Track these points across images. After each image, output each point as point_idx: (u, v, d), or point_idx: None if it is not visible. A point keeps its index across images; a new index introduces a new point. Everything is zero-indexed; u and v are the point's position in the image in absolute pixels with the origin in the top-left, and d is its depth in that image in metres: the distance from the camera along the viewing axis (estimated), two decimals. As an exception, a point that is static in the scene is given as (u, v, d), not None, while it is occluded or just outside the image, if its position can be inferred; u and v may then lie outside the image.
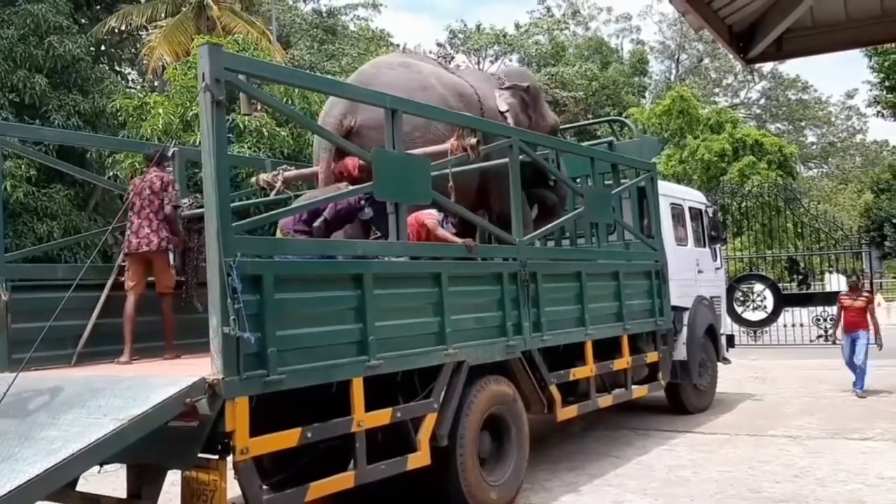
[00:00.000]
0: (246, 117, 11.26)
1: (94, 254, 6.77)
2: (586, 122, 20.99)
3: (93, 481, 4.27)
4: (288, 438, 4.08)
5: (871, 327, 9.83)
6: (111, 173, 13.50)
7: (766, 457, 6.80)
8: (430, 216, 5.73)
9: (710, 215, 10.02)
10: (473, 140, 5.55)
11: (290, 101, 11.51)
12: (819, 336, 15.03)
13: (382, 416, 4.59)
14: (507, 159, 6.04)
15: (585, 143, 9.48)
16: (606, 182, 7.93)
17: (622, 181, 7.99)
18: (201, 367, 3.88)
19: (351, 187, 5.33)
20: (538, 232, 6.55)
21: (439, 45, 36.12)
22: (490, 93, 7.34)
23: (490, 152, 6.10)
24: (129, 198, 5.71)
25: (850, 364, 9.94)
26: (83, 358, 5.27)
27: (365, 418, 4.42)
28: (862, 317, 9.88)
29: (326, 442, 4.40)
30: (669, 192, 9.22)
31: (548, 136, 7.22)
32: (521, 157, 6.12)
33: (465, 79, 7.31)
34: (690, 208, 9.54)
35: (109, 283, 5.61)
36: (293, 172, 6.71)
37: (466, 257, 5.53)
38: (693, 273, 9.25)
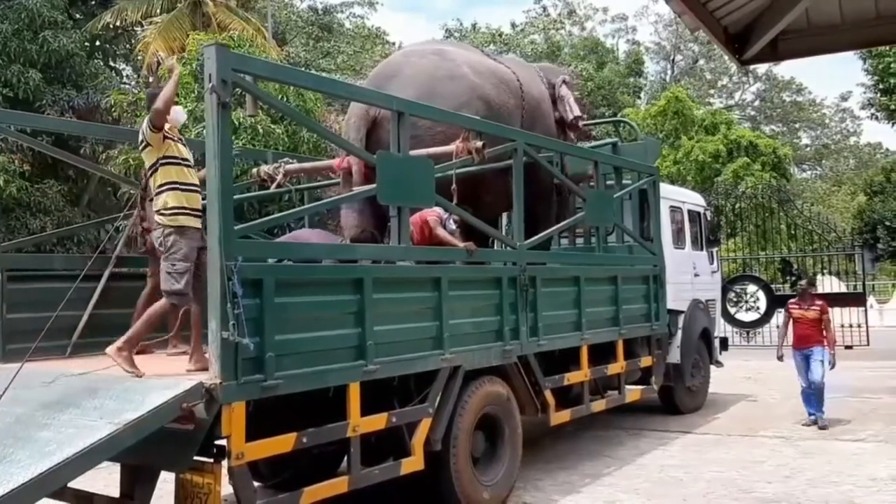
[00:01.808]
0: (241, 114, 11.17)
1: (98, 249, 6.72)
2: (591, 122, 20.87)
3: (86, 476, 4.24)
4: (283, 443, 4.07)
5: (827, 342, 8.23)
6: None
7: (759, 457, 6.85)
8: (433, 214, 5.69)
9: (709, 218, 9.99)
10: (479, 143, 5.47)
11: (284, 98, 11.45)
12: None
13: (378, 421, 4.58)
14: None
15: (588, 145, 9.35)
16: (609, 182, 7.88)
17: (624, 182, 7.96)
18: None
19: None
20: (539, 237, 6.46)
21: (435, 44, 35.94)
22: (531, 81, 7.29)
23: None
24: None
25: (807, 394, 8.32)
26: (78, 349, 5.22)
27: (361, 423, 4.41)
28: (815, 329, 8.29)
29: (324, 446, 4.39)
30: (669, 195, 9.14)
31: (553, 140, 7.12)
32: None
33: (506, 65, 7.18)
34: (689, 211, 9.50)
35: (106, 274, 5.56)
36: (294, 166, 6.63)
37: (467, 261, 5.48)
38: (689, 276, 9.24)
